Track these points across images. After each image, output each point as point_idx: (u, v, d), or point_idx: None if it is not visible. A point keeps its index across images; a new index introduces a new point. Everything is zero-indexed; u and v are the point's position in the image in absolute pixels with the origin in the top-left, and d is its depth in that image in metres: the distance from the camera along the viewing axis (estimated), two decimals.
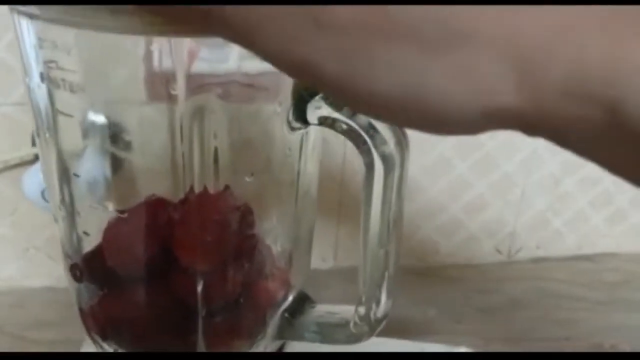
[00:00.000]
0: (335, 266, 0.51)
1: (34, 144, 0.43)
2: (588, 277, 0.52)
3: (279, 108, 0.21)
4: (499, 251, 0.53)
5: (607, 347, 0.44)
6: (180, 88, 0.21)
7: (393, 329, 0.37)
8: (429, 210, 0.50)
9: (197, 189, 0.21)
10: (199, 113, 0.20)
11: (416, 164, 0.48)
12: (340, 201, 0.48)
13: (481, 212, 0.51)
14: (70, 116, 0.21)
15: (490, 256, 0.53)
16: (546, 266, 0.53)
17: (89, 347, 0.29)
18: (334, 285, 0.49)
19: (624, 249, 0.55)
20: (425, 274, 0.51)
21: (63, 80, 0.20)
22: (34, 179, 0.41)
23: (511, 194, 0.51)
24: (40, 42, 0.20)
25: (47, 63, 0.20)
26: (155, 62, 0.21)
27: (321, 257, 0.50)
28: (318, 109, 0.21)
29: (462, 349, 0.36)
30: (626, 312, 0.48)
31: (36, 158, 0.43)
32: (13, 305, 0.45)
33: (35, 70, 0.21)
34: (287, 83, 0.21)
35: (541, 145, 0.50)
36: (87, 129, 0.23)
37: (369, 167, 0.20)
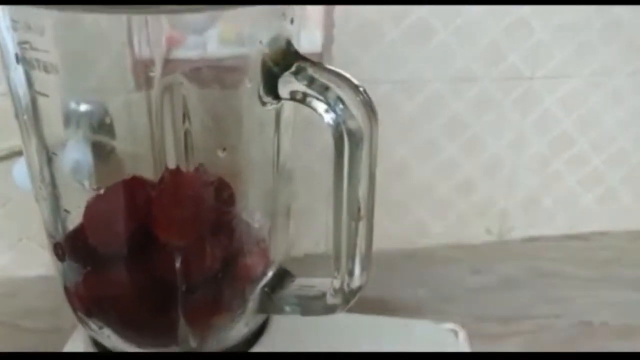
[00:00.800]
0: (328, 250, 0.51)
1: None
2: (579, 255, 0.52)
3: (248, 84, 0.22)
4: (489, 231, 0.54)
5: (597, 324, 0.44)
6: (157, 70, 0.21)
7: (383, 309, 0.37)
8: (419, 192, 0.51)
9: (171, 167, 0.22)
10: (168, 92, 0.21)
11: (404, 146, 0.48)
12: (332, 184, 0.49)
13: (471, 193, 0.52)
14: (46, 96, 0.22)
15: (481, 236, 0.53)
16: (537, 246, 0.54)
17: (78, 334, 0.30)
18: (328, 268, 0.50)
19: (615, 227, 0.55)
20: (416, 256, 0.52)
21: (37, 60, 0.21)
22: (24, 168, 0.41)
23: (500, 175, 0.51)
24: (14, 23, 0.20)
25: (21, 44, 0.21)
26: (136, 46, 0.21)
27: (314, 241, 0.51)
28: (289, 83, 0.21)
29: (449, 326, 0.36)
30: (617, 290, 0.48)
31: None
32: (7, 294, 0.45)
33: (12, 52, 0.21)
34: (256, 58, 0.22)
35: (528, 125, 0.50)
36: (68, 113, 0.23)
37: (338, 141, 0.21)
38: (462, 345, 0.34)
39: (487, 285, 0.48)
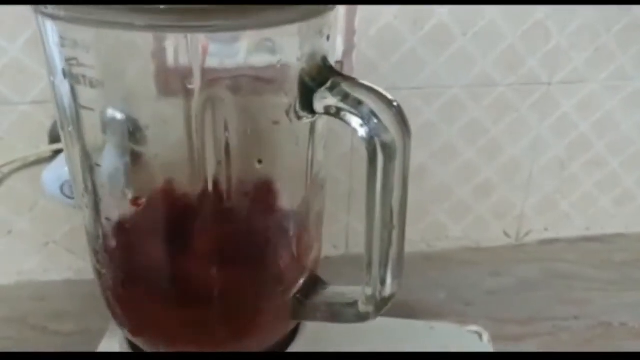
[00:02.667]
0: (346, 253, 0.52)
1: (51, 142, 0.44)
2: (597, 257, 0.53)
3: (285, 98, 0.22)
4: (507, 234, 0.54)
5: (616, 325, 0.45)
6: (196, 82, 0.22)
7: (404, 312, 0.38)
8: (438, 196, 0.51)
9: (210, 178, 0.22)
10: (210, 105, 0.21)
11: (424, 151, 0.49)
12: (350, 190, 0.50)
13: (489, 196, 0.52)
14: (92, 110, 0.22)
15: (499, 239, 0.54)
16: (555, 248, 0.54)
17: (112, 335, 0.31)
18: (346, 271, 0.51)
19: (633, 229, 0.56)
20: (435, 258, 0.52)
21: (84, 76, 0.21)
22: (53, 175, 0.42)
23: (518, 178, 0.52)
24: (62, 40, 0.21)
25: (69, 60, 0.21)
26: (170, 58, 0.22)
27: (333, 245, 0.52)
28: (324, 99, 0.22)
29: (472, 328, 0.37)
30: (636, 291, 0.48)
31: (54, 155, 0.44)
32: (35, 298, 0.47)
33: (59, 67, 0.22)
34: (294, 74, 0.22)
35: (546, 129, 0.50)
36: (109, 125, 0.24)
37: (371, 154, 0.21)
38: (487, 347, 0.35)
39: (506, 288, 0.49)
